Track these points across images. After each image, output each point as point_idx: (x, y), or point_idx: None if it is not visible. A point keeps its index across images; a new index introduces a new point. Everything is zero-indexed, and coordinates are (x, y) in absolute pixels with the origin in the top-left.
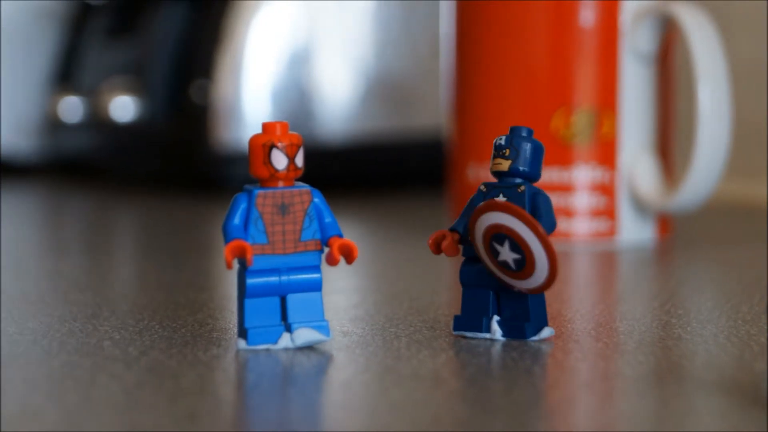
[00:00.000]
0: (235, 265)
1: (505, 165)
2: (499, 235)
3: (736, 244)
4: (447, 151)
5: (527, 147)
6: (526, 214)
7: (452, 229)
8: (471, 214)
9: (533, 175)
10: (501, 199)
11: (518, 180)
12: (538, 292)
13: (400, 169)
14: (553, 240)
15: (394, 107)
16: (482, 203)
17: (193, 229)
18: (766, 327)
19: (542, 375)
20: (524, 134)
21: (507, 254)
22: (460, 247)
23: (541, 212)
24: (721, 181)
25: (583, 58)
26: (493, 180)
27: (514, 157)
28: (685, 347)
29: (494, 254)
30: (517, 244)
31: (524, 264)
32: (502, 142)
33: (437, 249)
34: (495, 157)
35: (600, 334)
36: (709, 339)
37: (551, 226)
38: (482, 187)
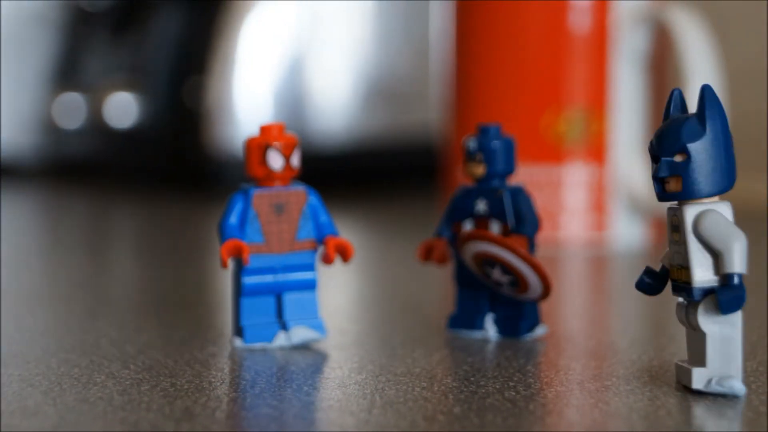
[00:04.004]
0: (231, 265)
1: (480, 170)
2: (488, 260)
3: None
4: (441, 151)
5: (498, 147)
6: (508, 241)
7: (438, 233)
8: (453, 215)
9: (508, 171)
10: (482, 205)
11: (495, 182)
12: (538, 302)
13: (395, 169)
14: (543, 238)
15: (389, 108)
16: (465, 232)
17: (189, 229)
18: (765, 325)
19: (536, 373)
20: (493, 134)
21: (499, 276)
22: (451, 251)
23: (524, 216)
24: None
25: (575, 59)
26: (469, 181)
27: (488, 160)
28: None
29: (487, 275)
30: (507, 268)
31: (518, 283)
32: (473, 144)
33: (426, 258)
34: (468, 160)
35: (593, 333)
36: None
37: (535, 227)
38: (460, 191)
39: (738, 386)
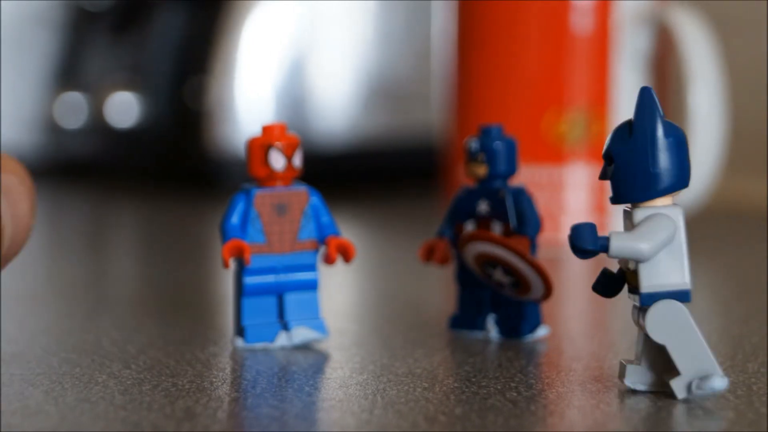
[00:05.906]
0: (233, 265)
1: (482, 170)
2: (490, 261)
3: (731, 245)
4: (442, 152)
5: (501, 148)
6: (509, 242)
7: (440, 233)
8: (454, 215)
9: (510, 172)
10: (484, 206)
11: (497, 183)
12: (539, 303)
13: (396, 170)
14: (545, 239)
15: (391, 108)
16: (467, 233)
17: (191, 229)
18: (766, 326)
19: (537, 374)
20: (495, 135)
21: (501, 277)
22: (453, 251)
23: (526, 216)
24: (720, 182)
25: (577, 59)
26: (470, 182)
27: (490, 160)
28: None
29: (489, 276)
30: (509, 269)
31: (519, 285)
32: (475, 145)
33: (427, 258)
34: (470, 161)
35: (594, 334)
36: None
37: (537, 227)
38: (462, 192)
39: (717, 383)
